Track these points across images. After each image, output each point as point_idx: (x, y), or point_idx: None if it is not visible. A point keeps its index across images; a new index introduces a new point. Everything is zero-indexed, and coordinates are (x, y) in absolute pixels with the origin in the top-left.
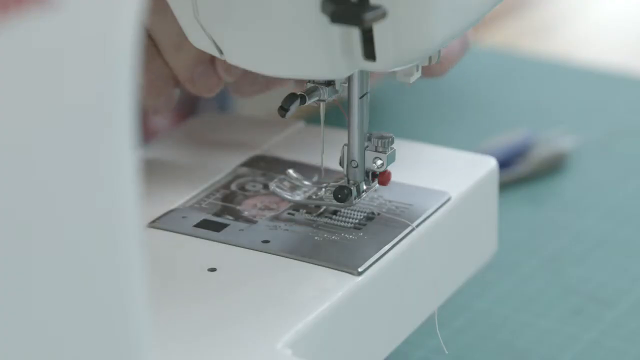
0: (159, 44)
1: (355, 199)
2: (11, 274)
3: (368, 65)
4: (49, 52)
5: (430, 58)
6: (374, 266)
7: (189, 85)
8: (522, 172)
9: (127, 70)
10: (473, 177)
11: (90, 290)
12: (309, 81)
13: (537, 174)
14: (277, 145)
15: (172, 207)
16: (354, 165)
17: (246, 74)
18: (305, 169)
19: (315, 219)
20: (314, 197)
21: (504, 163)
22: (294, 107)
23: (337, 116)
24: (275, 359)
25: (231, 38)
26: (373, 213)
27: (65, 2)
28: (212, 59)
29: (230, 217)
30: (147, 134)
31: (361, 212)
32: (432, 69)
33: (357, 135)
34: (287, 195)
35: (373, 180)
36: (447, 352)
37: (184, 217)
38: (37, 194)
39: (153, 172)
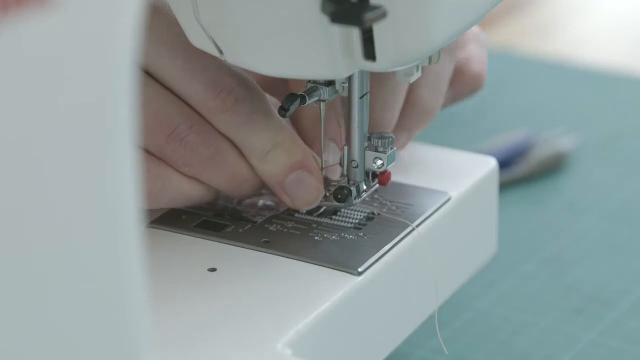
0: (245, 151)
1: (355, 199)
2: (11, 274)
3: (368, 65)
4: (49, 52)
5: (430, 58)
6: (374, 266)
7: (282, 195)
8: (522, 172)
9: (127, 70)
10: (473, 177)
11: (90, 290)
12: (309, 81)
13: (537, 174)
14: None
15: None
16: (354, 165)
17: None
18: None
19: (315, 219)
20: None
21: (504, 163)
22: (294, 107)
23: None
24: (275, 359)
25: (231, 38)
26: (373, 213)
27: (65, 2)
28: (309, 164)
29: (230, 217)
30: None
31: (361, 212)
32: (471, 84)
33: (357, 135)
34: None
35: (373, 180)
36: (447, 352)
37: (184, 217)
38: (37, 193)
39: None
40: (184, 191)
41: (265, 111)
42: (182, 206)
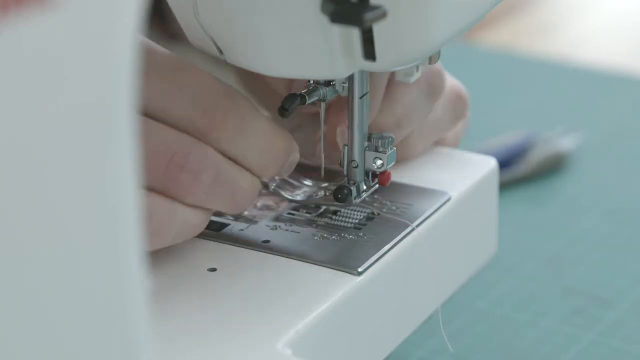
0: (245, 165)
1: (355, 199)
2: (11, 274)
3: (368, 65)
4: (49, 52)
5: (430, 58)
6: (374, 266)
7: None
8: (522, 172)
9: (127, 70)
10: (473, 177)
11: (90, 290)
12: (309, 81)
13: (537, 174)
14: None
15: None
16: (354, 165)
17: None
18: (305, 169)
19: (315, 219)
20: (314, 197)
21: (504, 163)
22: (294, 107)
23: None
24: (275, 359)
25: (231, 38)
26: (373, 213)
27: (65, 2)
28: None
29: (231, 217)
30: None
31: (361, 212)
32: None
33: (357, 135)
34: (287, 195)
35: (373, 180)
36: (451, 349)
37: None
38: (37, 193)
39: None
40: (189, 221)
41: (252, 115)
42: (186, 239)
